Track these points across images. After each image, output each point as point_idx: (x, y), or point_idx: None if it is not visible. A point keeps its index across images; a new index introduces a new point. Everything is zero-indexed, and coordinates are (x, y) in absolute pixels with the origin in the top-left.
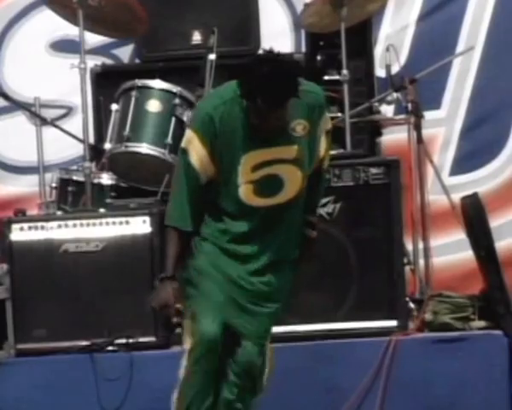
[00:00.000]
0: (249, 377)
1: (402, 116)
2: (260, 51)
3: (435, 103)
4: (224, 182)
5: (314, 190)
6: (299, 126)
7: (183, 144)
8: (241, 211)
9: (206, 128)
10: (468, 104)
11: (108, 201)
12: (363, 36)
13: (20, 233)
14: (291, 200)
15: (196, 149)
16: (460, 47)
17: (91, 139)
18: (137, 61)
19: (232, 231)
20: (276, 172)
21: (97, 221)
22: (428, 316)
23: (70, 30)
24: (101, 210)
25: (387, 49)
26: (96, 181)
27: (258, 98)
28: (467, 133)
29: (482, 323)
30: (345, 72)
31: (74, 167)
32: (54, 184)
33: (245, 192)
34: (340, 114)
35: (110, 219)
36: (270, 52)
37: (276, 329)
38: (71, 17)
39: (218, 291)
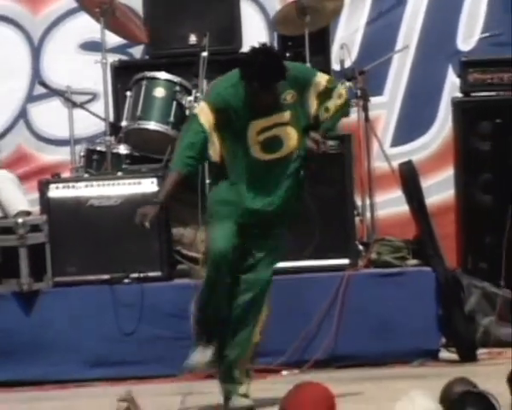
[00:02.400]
0: (257, 290)
1: (353, 100)
2: (255, 45)
3: (379, 90)
4: (233, 148)
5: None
6: (288, 96)
7: (195, 111)
8: (251, 168)
9: (216, 102)
10: (404, 91)
11: (124, 166)
12: (322, 38)
13: (55, 191)
14: (290, 153)
15: (205, 114)
16: (398, 45)
17: (111, 118)
18: (146, 57)
19: (242, 182)
20: (275, 133)
21: (115, 182)
22: (373, 256)
23: (95, 34)
24: (119, 173)
25: (341, 48)
26: (114, 151)
27: (255, 83)
28: (403, 114)
29: (415, 261)
30: (307, 64)
31: (98, 140)
32: (82, 154)
33: (256, 151)
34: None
35: (126, 181)
36: (263, 45)
37: None
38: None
39: (230, 219)
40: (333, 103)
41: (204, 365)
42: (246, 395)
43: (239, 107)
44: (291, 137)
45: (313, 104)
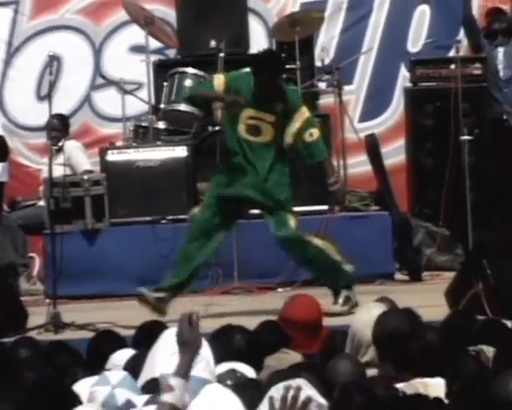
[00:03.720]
0: None
1: (330, 88)
2: (262, 49)
3: (349, 81)
4: (231, 121)
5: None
6: (279, 106)
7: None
8: (238, 145)
9: (230, 80)
10: (368, 82)
11: (162, 137)
12: (308, 42)
13: (112, 156)
14: (266, 143)
15: (219, 82)
16: (364, 48)
17: (152, 102)
18: (179, 57)
19: (233, 161)
20: (259, 124)
21: (155, 149)
22: (346, 203)
23: (141, 39)
24: (158, 143)
25: (322, 50)
26: (155, 126)
27: (264, 72)
28: (367, 98)
29: (376, 207)
30: (298, 63)
31: (143, 118)
32: (131, 128)
33: (241, 128)
34: (295, 87)
35: (163, 148)
36: (269, 49)
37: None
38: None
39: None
40: (315, 131)
41: (151, 298)
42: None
43: (244, 92)
44: (268, 132)
45: (296, 126)
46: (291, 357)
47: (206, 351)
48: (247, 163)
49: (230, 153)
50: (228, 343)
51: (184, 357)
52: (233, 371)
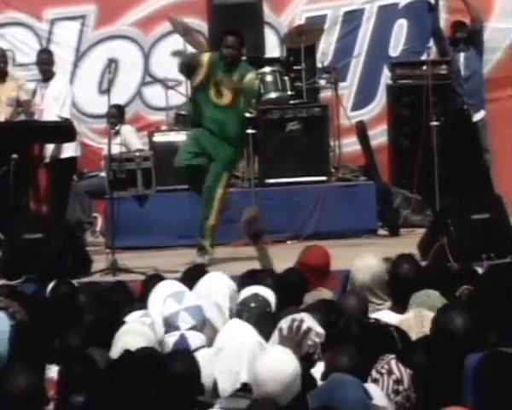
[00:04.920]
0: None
1: (328, 85)
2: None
3: (344, 78)
4: (204, 87)
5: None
6: (235, 76)
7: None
8: (208, 106)
9: (210, 58)
10: (358, 79)
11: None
12: (311, 49)
13: (157, 137)
14: (226, 105)
15: (203, 58)
16: (355, 53)
17: (189, 95)
18: None
19: (205, 115)
20: (222, 89)
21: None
22: (340, 175)
23: (179, 45)
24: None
25: (322, 54)
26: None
27: (224, 38)
28: (358, 92)
29: (364, 178)
30: (303, 65)
31: (182, 108)
32: (173, 116)
33: (212, 92)
34: (300, 84)
35: None
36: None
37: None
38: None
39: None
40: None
41: None
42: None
43: (217, 64)
44: (228, 96)
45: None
46: (323, 294)
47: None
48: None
49: None
50: (257, 284)
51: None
52: (256, 294)
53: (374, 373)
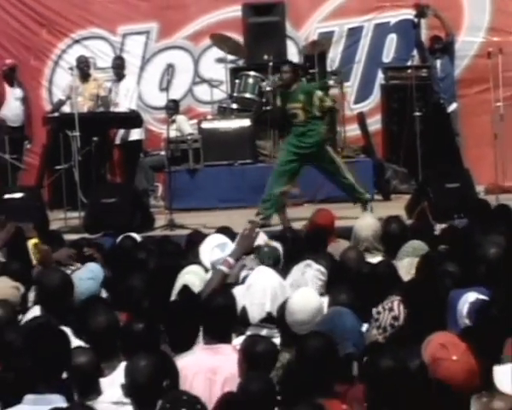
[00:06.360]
0: None
1: (336, 84)
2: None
3: (347, 79)
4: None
5: None
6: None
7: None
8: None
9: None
10: (359, 80)
11: (235, 113)
12: (323, 56)
13: (205, 124)
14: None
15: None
16: (356, 59)
17: (229, 92)
18: (245, 65)
19: None
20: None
21: (231, 120)
22: (344, 153)
23: (222, 54)
24: (232, 116)
25: (331, 61)
26: (231, 106)
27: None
28: (359, 89)
29: (363, 155)
30: (316, 69)
31: (223, 102)
32: (216, 108)
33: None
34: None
35: (236, 120)
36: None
37: None
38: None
39: None
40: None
41: None
42: None
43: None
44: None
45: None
46: (342, 244)
47: None
48: None
49: None
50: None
51: (239, 248)
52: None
53: (379, 307)
